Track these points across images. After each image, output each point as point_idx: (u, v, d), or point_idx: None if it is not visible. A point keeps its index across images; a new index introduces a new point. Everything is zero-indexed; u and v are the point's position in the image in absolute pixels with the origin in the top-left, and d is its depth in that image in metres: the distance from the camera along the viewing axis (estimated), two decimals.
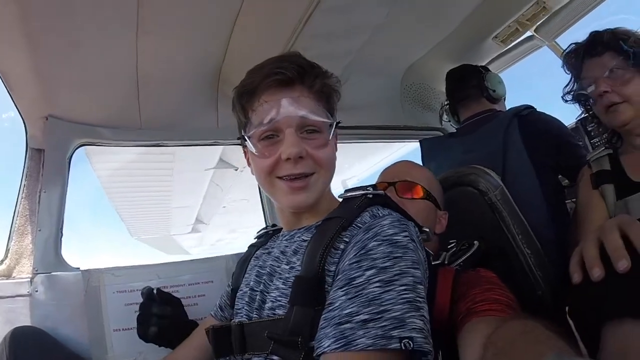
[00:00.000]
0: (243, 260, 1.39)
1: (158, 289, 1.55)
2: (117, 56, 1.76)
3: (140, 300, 1.52)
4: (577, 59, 1.71)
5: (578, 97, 1.75)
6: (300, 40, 1.76)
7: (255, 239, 1.48)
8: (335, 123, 1.18)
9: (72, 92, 1.83)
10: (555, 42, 2.58)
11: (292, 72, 1.11)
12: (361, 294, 0.87)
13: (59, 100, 1.84)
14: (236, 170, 4.93)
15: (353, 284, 0.89)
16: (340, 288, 0.90)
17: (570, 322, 0.97)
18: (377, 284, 0.87)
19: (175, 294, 1.64)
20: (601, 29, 1.68)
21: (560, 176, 2.14)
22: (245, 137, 1.16)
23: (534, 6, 2.33)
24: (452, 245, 1.55)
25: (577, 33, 1.79)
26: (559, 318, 1.48)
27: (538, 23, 2.48)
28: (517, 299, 1.27)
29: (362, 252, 0.94)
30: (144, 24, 1.62)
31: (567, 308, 0.99)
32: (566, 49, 1.78)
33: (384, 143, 4.34)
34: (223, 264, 1.98)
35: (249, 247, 1.45)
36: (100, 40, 1.66)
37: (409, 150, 4.31)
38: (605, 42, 1.63)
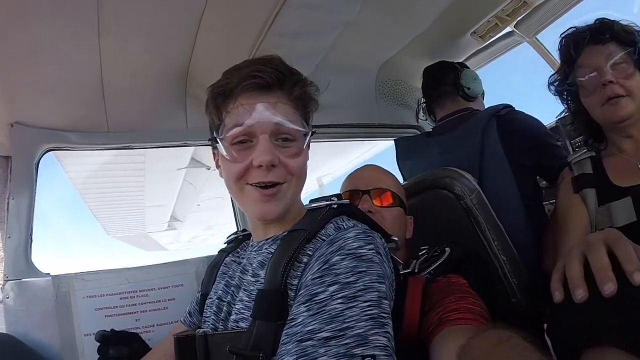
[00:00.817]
0: (213, 266, 1.37)
1: (112, 329, 1.49)
2: (80, 59, 1.73)
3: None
4: (579, 42, 1.58)
5: (570, 86, 1.63)
6: (269, 38, 1.73)
7: (225, 244, 1.46)
8: (310, 132, 1.16)
9: (36, 98, 1.81)
10: (536, 38, 2.55)
11: (271, 76, 1.08)
12: (324, 310, 0.84)
13: (24, 107, 1.82)
14: (208, 169, 4.91)
15: (316, 300, 0.87)
16: (303, 304, 0.88)
17: (548, 340, 0.94)
18: (340, 300, 0.84)
19: (145, 298, 1.63)
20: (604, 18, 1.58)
21: (538, 177, 2.10)
22: (218, 139, 1.12)
23: (514, 1, 2.30)
24: (424, 252, 1.52)
25: (559, 29, 1.67)
26: (533, 326, 1.49)
27: (518, 18, 2.44)
28: (491, 305, 1.24)
29: (326, 266, 0.92)
30: (105, 25, 1.59)
31: (545, 325, 0.96)
32: (566, 30, 1.66)
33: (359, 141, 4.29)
34: (193, 267, 1.97)
35: (218, 252, 1.43)
36: (60, 44, 1.63)
37: (386, 147, 4.24)
38: (614, 31, 1.54)
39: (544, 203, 2.14)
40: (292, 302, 0.95)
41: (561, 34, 1.68)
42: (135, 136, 2.15)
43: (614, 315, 0.79)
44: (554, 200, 1.80)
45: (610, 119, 1.55)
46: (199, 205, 7.37)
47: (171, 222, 8.08)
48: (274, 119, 1.07)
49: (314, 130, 1.18)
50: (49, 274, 1.79)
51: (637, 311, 0.78)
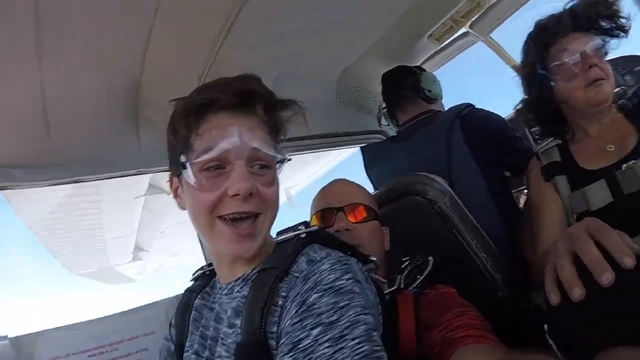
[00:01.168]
0: (183, 309, 1.24)
1: None
2: (19, 88, 1.57)
3: None
4: (562, 28, 1.63)
5: (547, 71, 1.65)
6: (224, 49, 1.65)
7: (191, 281, 1.33)
8: (286, 160, 1.07)
9: None
10: (490, 37, 2.59)
11: (251, 96, 1.00)
12: (310, 358, 0.77)
13: None
14: (168, 194, 4.80)
15: (300, 348, 0.79)
16: (287, 354, 0.80)
17: (551, 342, 0.90)
18: (327, 344, 0.78)
19: (115, 353, 1.50)
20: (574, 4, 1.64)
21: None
22: (186, 164, 0.99)
23: (468, 2, 2.33)
24: (406, 264, 1.48)
25: (512, 27, 1.71)
26: (519, 318, 1.50)
27: (472, 19, 2.48)
28: (480, 303, 1.24)
29: (304, 308, 0.85)
30: (44, 49, 1.44)
31: (545, 327, 0.92)
32: (547, 16, 1.70)
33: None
34: (162, 310, 1.81)
35: (186, 292, 1.30)
36: None
37: (351, 154, 4.27)
38: (591, 18, 1.60)
39: (512, 191, 2.21)
40: (275, 351, 0.86)
41: (539, 20, 1.71)
42: (85, 168, 1.97)
43: (608, 304, 0.78)
44: (521, 188, 1.91)
45: (593, 100, 1.57)
46: (162, 232, 7.20)
47: (136, 253, 7.89)
48: (252, 144, 0.98)
49: (289, 157, 1.09)
50: (6, 336, 1.59)
51: (630, 297, 0.77)
